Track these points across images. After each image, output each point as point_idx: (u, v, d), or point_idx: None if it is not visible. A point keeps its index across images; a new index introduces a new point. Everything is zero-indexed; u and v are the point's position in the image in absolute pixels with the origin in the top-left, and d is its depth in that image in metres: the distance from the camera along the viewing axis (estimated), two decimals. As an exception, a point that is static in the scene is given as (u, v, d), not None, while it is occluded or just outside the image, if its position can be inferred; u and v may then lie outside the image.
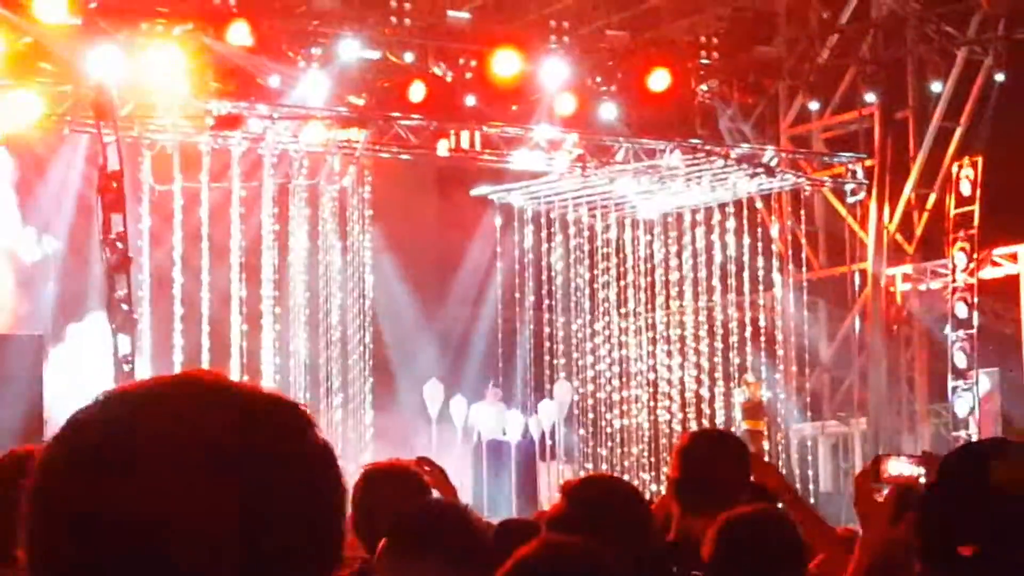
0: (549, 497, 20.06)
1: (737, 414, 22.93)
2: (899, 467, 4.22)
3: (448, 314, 23.54)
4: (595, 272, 23.94)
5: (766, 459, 22.41)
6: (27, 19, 17.35)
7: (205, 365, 20.47)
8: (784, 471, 23.22)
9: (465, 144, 22.15)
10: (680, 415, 23.74)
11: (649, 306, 24.18)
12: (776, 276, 24.40)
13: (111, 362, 17.41)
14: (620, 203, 23.90)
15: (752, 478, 5.36)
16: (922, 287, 23.74)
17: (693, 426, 23.62)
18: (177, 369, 18.77)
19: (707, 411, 23.74)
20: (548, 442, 21.62)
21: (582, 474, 21.30)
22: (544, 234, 23.54)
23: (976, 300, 22.39)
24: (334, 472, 1.51)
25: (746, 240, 23.89)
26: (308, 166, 21.73)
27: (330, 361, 21.71)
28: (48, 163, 20.74)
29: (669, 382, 23.94)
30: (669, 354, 24.03)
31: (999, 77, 22.47)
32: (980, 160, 22.43)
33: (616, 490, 4.60)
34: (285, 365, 21.32)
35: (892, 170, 23.45)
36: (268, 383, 20.92)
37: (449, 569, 3.96)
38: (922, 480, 4.26)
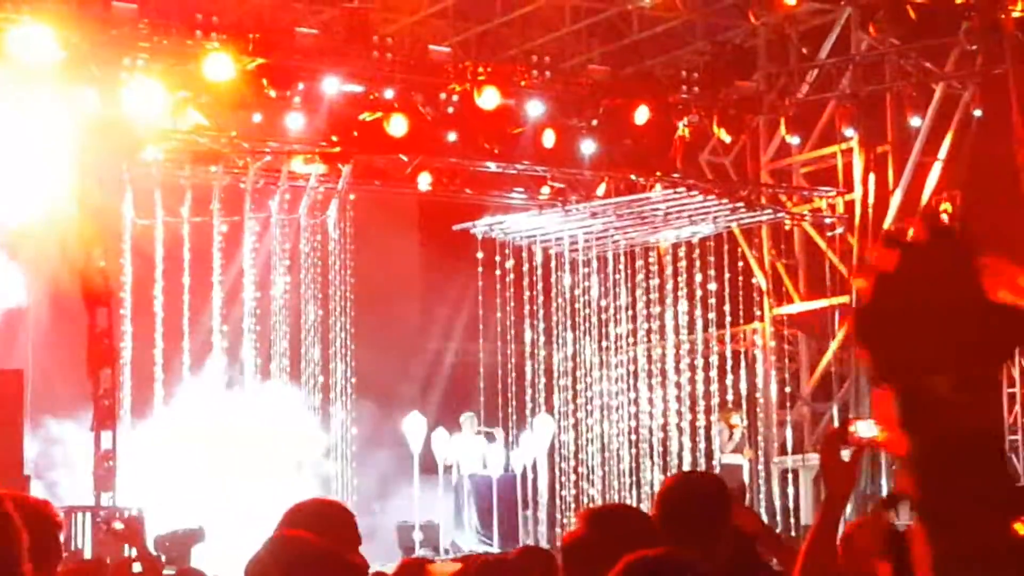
0: (528, 532, 20.05)
1: (717, 448, 22.96)
2: (868, 429, 4.22)
3: (429, 347, 23.53)
4: (576, 306, 23.96)
5: (748, 492, 22.60)
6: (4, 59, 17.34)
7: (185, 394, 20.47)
8: (765, 503, 23.27)
9: (446, 179, 22.19)
10: (661, 449, 23.76)
11: (631, 340, 24.22)
12: (756, 310, 24.47)
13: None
14: (601, 237, 23.95)
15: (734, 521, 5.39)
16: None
17: (674, 459, 23.66)
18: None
19: (688, 444, 23.77)
20: (530, 476, 21.60)
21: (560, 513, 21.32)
22: (525, 268, 23.56)
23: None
24: None
25: (726, 274, 23.96)
26: (289, 200, 21.76)
27: (311, 394, 21.68)
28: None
29: (651, 415, 23.96)
30: (651, 388, 24.06)
31: (977, 112, 22.59)
32: (958, 195, 22.53)
33: (634, 519, 4.65)
34: (265, 397, 21.28)
35: (872, 204, 23.54)
36: (248, 415, 20.91)
37: None
38: None
